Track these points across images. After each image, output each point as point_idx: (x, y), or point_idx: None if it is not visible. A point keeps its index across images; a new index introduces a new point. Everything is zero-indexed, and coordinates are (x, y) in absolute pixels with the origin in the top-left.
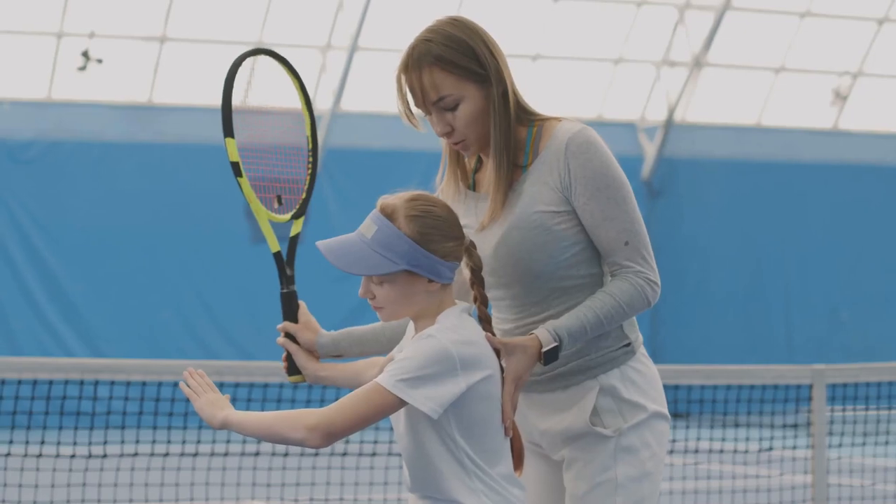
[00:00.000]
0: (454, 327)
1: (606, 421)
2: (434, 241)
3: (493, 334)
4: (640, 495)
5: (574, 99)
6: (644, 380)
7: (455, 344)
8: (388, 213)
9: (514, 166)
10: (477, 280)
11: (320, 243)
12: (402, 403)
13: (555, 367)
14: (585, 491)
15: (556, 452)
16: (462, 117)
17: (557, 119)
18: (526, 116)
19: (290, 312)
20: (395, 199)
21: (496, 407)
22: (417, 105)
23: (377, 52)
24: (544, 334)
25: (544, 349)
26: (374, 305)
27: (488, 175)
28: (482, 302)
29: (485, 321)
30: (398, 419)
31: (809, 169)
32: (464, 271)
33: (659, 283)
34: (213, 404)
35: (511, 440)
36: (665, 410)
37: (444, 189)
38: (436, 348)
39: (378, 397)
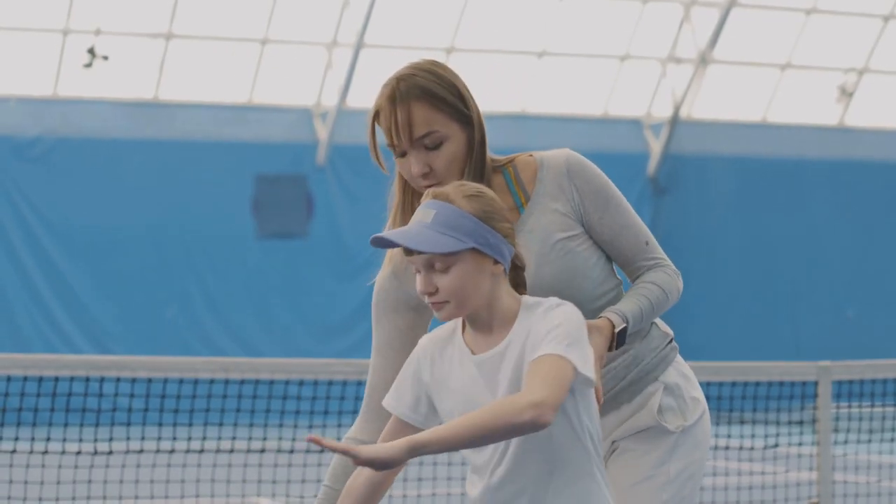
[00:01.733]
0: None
1: (668, 418)
2: (495, 218)
3: None
4: (683, 495)
5: (580, 96)
6: (692, 375)
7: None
8: (445, 197)
9: None
10: (521, 282)
11: (380, 235)
12: (574, 372)
13: (616, 382)
14: (635, 482)
15: None
16: (444, 157)
17: (528, 155)
18: (493, 164)
19: None
20: (442, 188)
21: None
22: (397, 142)
23: (383, 48)
24: (614, 316)
25: (617, 329)
26: (435, 301)
27: None
28: None
29: None
30: None
31: (815, 165)
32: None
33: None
34: (377, 448)
35: None
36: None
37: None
38: (573, 312)
39: (561, 365)
